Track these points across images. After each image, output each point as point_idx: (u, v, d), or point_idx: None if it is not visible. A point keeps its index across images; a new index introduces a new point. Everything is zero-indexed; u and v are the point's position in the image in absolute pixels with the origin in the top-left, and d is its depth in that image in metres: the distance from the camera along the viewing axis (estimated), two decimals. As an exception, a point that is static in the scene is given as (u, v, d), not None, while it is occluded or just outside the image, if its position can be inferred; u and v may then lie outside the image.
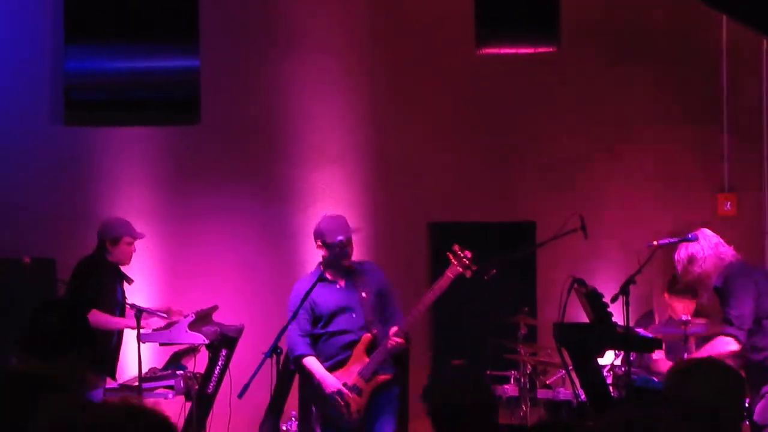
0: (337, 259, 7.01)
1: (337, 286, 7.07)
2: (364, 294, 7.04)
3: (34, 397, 2.72)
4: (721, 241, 6.62)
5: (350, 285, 7.08)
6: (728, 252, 6.56)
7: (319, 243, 7.03)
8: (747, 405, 6.63)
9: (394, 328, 6.99)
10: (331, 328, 7.02)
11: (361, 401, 6.94)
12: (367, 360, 6.96)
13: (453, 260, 7.06)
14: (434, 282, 7.13)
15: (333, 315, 7.02)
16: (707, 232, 6.68)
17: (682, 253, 6.63)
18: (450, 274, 7.03)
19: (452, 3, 9.24)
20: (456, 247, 7.09)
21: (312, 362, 6.99)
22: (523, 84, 9.24)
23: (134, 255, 7.89)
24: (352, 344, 7.02)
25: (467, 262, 7.04)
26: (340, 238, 6.95)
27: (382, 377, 7.01)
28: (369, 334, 7.00)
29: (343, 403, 6.91)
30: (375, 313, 7.06)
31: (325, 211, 7.40)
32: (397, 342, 6.95)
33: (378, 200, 9.33)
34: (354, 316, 7.03)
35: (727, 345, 6.38)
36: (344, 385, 6.93)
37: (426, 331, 9.18)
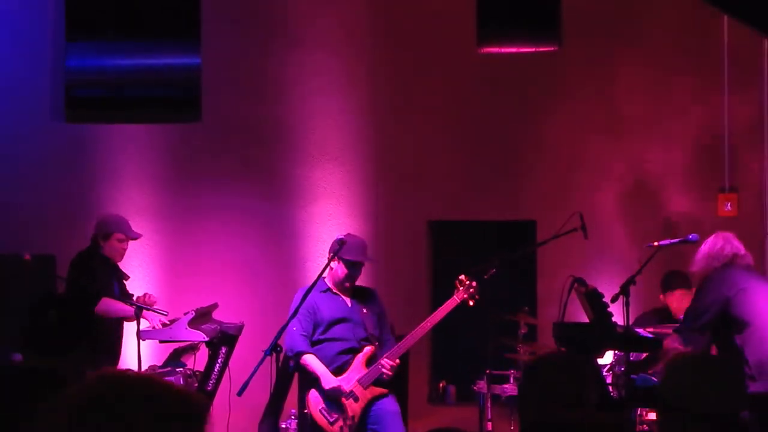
0: (345, 278, 7.12)
1: (341, 299, 7.19)
2: (365, 310, 7.13)
3: (36, 393, 2.72)
4: (726, 245, 6.49)
5: (353, 302, 7.20)
6: (722, 255, 6.47)
7: (336, 258, 7.08)
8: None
9: (385, 359, 7.12)
10: (330, 335, 7.11)
11: (356, 408, 7.01)
12: (366, 371, 7.04)
13: (459, 287, 7.19)
14: (437, 307, 7.25)
15: (333, 323, 7.12)
16: (720, 234, 6.59)
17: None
18: (455, 299, 7.17)
19: (453, 2, 9.24)
20: (463, 276, 7.25)
21: (311, 359, 7.04)
22: (524, 83, 9.24)
23: (131, 253, 7.89)
24: (350, 351, 7.08)
25: (472, 291, 7.19)
26: (361, 258, 7.10)
27: (380, 390, 7.08)
28: (372, 347, 7.09)
29: (342, 400, 6.96)
30: (375, 330, 7.16)
31: (339, 226, 7.45)
32: (390, 370, 7.06)
33: (378, 198, 9.33)
34: (354, 327, 7.13)
35: (672, 342, 6.40)
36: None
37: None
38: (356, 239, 7.18)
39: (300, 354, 7.05)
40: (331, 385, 6.96)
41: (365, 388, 7.04)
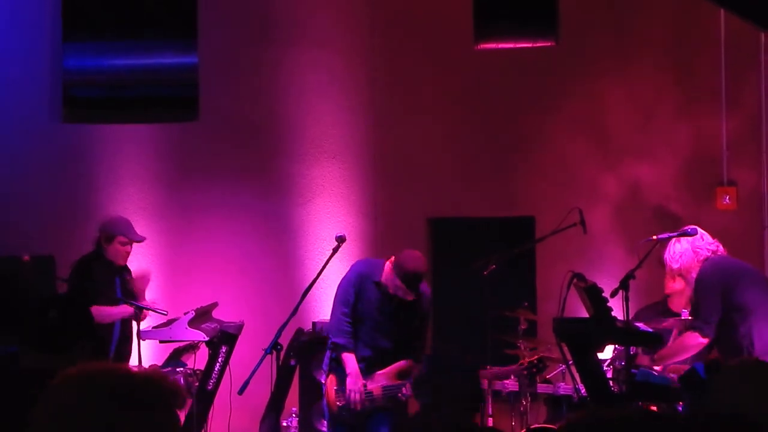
0: (395, 289, 7.00)
1: (385, 298, 7.04)
2: (402, 317, 7.06)
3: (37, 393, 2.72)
4: (702, 236, 6.63)
5: (400, 309, 7.06)
6: (705, 247, 6.56)
7: (396, 277, 6.96)
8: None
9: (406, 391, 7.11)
10: (359, 332, 7.07)
11: (368, 405, 7.03)
12: (396, 382, 7.06)
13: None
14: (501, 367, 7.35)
15: (362, 320, 7.06)
16: (691, 227, 6.71)
17: (666, 252, 6.68)
18: None
19: (451, -2, 9.24)
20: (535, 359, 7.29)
21: (348, 358, 7.04)
22: (522, 79, 9.23)
23: (132, 253, 7.87)
24: (366, 359, 7.07)
25: (534, 371, 7.26)
26: (409, 298, 6.99)
27: (402, 397, 7.12)
28: (411, 362, 7.08)
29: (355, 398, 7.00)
30: (411, 340, 7.13)
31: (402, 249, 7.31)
32: (406, 398, 7.11)
33: (377, 196, 9.33)
34: (384, 335, 7.09)
35: (693, 338, 6.45)
36: (363, 386, 7.04)
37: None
38: (417, 268, 6.99)
39: (340, 347, 7.05)
40: (351, 387, 6.99)
41: (383, 394, 7.07)
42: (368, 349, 7.10)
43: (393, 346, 7.11)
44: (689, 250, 6.58)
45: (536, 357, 7.29)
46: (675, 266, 6.64)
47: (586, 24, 9.14)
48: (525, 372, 7.23)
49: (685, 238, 6.62)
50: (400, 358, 7.11)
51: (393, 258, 7.03)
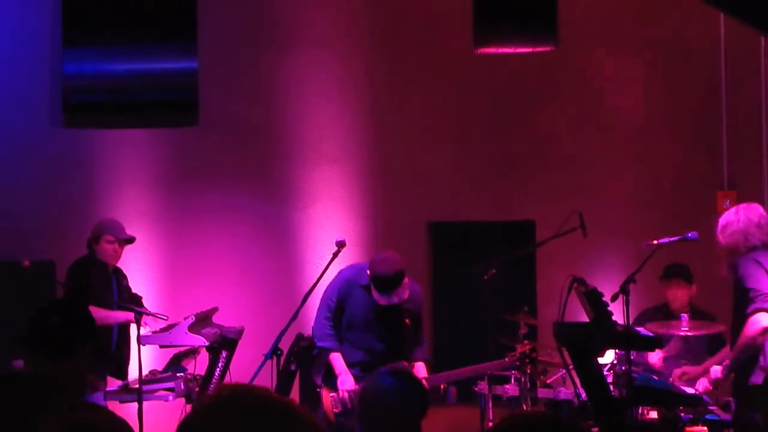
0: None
1: (374, 301, 6.99)
2: (395, 315, 7.02)
3: (39, 398, 2.72)
4: (760, 221, 6.40)
5: (389, 310, 7.01)
6: (757, 235, 6.37)
7: (373, 288, 6.91)
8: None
9: (423, 372, 7.04)
10: (350, 336, 7.06)
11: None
12: None
13: (516, 353, 7.19)
14: (492, 361, 7.21)
15: (355, 325, 7.05)
16: (755, 207, 6.53)
17: (721, 219, 6.52)
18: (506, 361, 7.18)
19: (451, 2, 9.24)
20: (527, 349, 7.20)
21: (335, 359, 7.04)
22: (522, 83, 9.24)
23: (130, 256, 7.88)
24: (360, 363, 7.05)
25: (527, 361, 7.15)
26: (383, 303, 6.94)
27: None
28: (405, 363, 7.05)
29: (348, 401, 7.00)
30: (404, 340, 7.09)
31: (372, 255, 7.25)
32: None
33: (378, 200, 9.33)
34: (376, 338, 7.07)
35: (759, 322, 6.27)
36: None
37: (427, 331, 9.18)
38: (385, 272, 6.92)
39: (325, 350, 7.05)
40: (343, 388, 6.99)
41: None
42: (362, 353, 7.09)
43: (386, 348, 7.09)
44: (740, 232, 6.37)
45: (528, 347, 7.25)
46: (722, 239, 6.49)
47: (586, 29, 9.15)
48: (518, 363, 7.21)
49: (744, 218, 6.40)
50: (394, 360, 7.10)
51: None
